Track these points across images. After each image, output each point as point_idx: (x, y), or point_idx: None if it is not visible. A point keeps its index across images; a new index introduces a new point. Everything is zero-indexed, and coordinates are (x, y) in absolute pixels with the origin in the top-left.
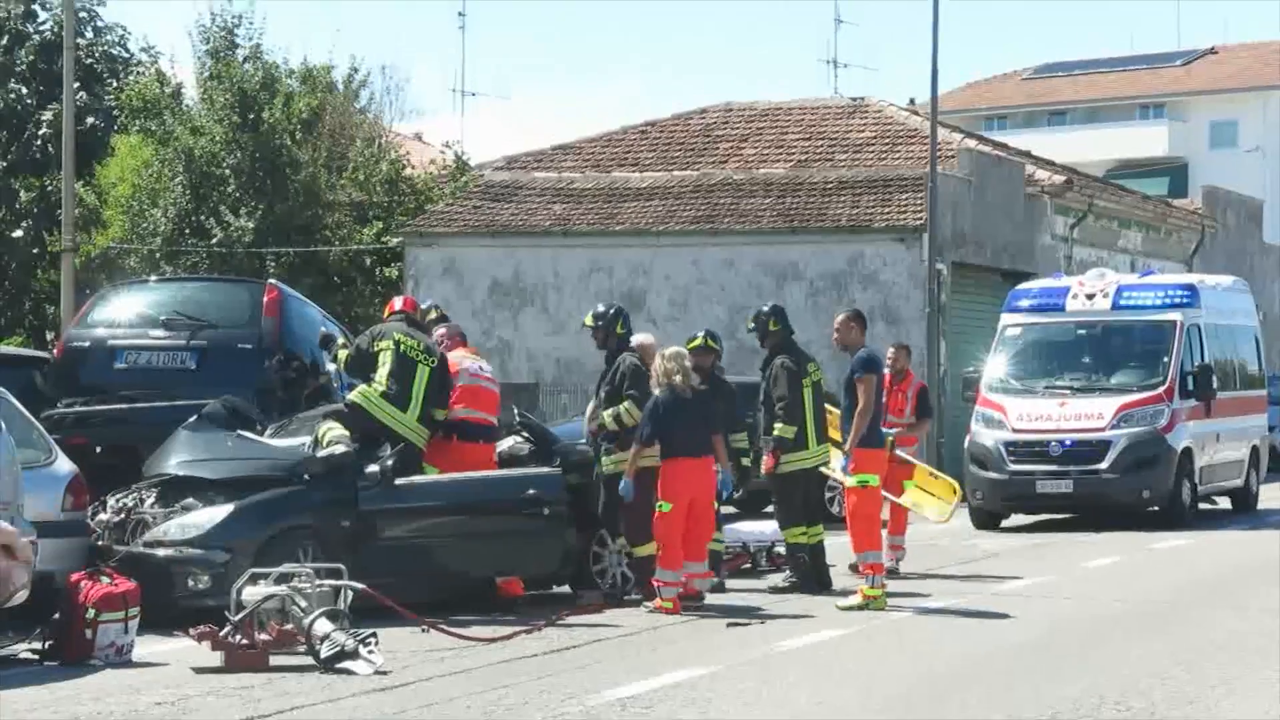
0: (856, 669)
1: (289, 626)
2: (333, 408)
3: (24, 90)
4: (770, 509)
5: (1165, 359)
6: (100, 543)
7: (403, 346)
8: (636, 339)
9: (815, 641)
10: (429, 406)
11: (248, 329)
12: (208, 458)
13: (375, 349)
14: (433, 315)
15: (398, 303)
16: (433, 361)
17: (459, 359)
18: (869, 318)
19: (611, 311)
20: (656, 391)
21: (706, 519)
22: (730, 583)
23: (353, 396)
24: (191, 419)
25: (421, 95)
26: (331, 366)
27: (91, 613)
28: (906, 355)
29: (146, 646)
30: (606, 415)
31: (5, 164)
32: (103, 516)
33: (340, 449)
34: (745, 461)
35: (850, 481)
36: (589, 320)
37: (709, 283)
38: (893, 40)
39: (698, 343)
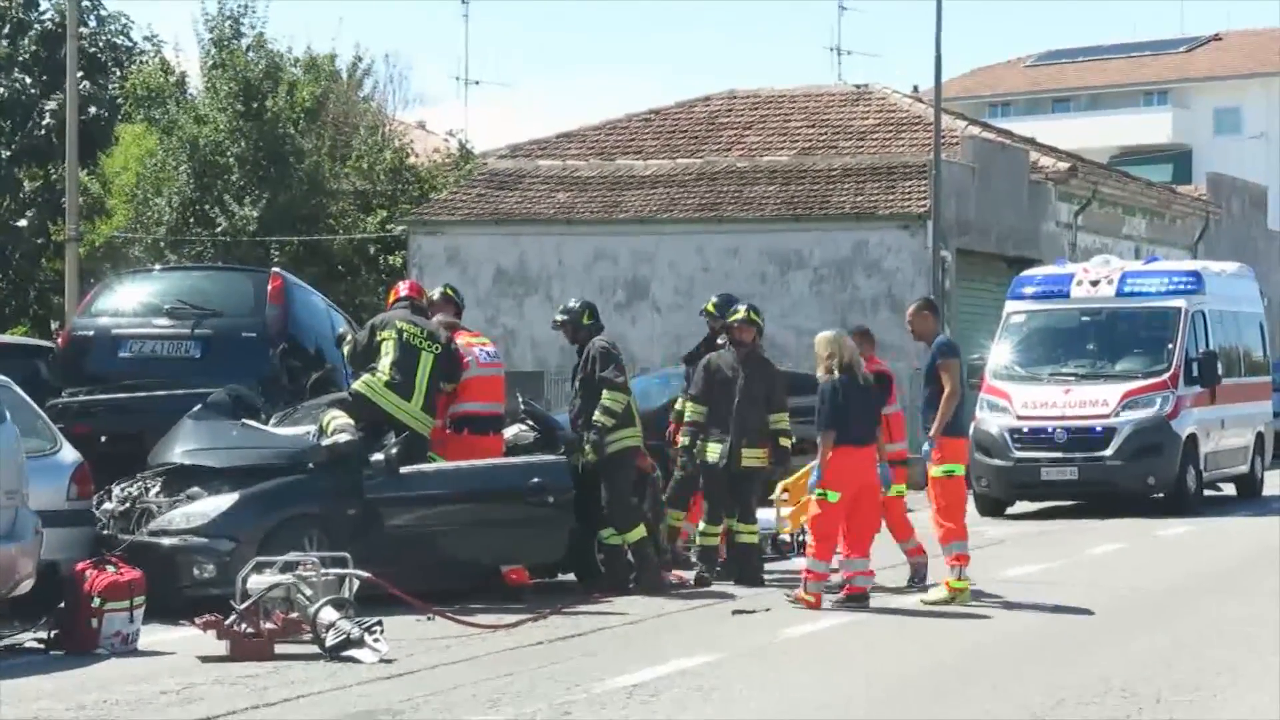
0: (863, 656)
1: (294, 615)
2: (337, 396)
3: (28, 79)
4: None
5: (1170, 346)
6: (105, 532)
7: (405, 334)
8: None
9: (821, 629)
10: (434, 393)
11: (252, 318)
12: (212, 446)
13: (377, 339)
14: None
15: (403, 288)
16: (436, 348)
17: (464, 346)
18: (873, 305)
19: (578, 305)
20: (823, 376)
21: (874, 511)
22: None
23: (357, 386)
24: (196, 408)
25: (425, 84)
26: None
27: (97, 602)
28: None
29: (152, 635)
30: (597, 414)
31: (9, 153)
32: (108, 505)
33: (345, 437)
34: (784, 442)
35: (935, 471)
36: (557, 317)
37: (713, 270)
38: (896, 27)
39: (740, 315)
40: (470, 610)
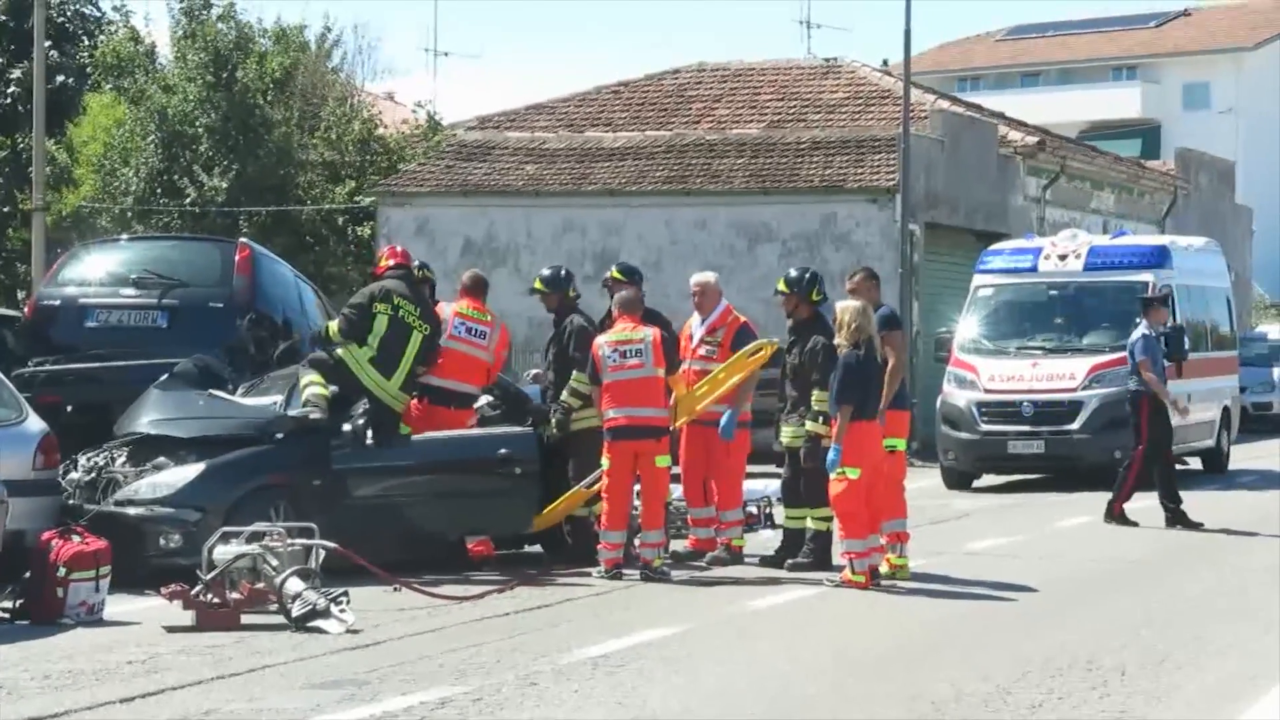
0: (830, 628)
1: (260, 585)
2: (319, 355)
3: None
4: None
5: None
6: (71, 501)
7: (401, 311)
8: (698, 278)
9: (789, 600)
10: (414, 373)
11: (219, 288)
12: (179, 416)
13: (374, 309)
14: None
15: (391, 254)
16: (426, 329)
17: (448, 312)
18: (842, 279)
19: (563, 275)
20: (845, 349)
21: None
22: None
23: (341, 353)
24: (163, 378)
25: (394, 55)
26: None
27: (63, 571)
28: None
29: (117, 605)
30: (565, 394)
31: None
32: (74, 475)
33: (315, 415)
34: (811, 427)
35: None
36: (538, 284)
37: (682, 243)
38: (866, 1)
39: (779, 287)
40: (437, 581)
